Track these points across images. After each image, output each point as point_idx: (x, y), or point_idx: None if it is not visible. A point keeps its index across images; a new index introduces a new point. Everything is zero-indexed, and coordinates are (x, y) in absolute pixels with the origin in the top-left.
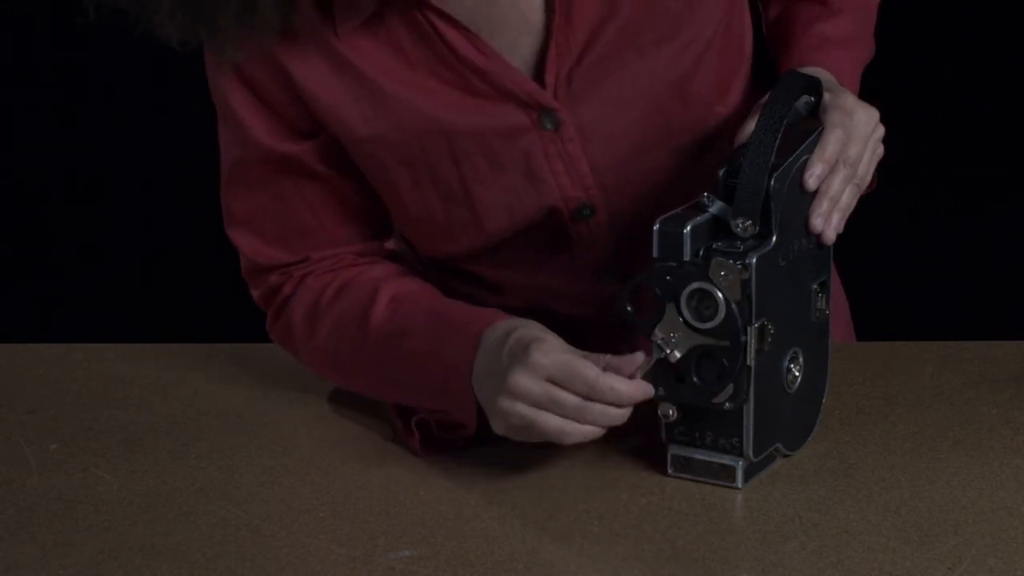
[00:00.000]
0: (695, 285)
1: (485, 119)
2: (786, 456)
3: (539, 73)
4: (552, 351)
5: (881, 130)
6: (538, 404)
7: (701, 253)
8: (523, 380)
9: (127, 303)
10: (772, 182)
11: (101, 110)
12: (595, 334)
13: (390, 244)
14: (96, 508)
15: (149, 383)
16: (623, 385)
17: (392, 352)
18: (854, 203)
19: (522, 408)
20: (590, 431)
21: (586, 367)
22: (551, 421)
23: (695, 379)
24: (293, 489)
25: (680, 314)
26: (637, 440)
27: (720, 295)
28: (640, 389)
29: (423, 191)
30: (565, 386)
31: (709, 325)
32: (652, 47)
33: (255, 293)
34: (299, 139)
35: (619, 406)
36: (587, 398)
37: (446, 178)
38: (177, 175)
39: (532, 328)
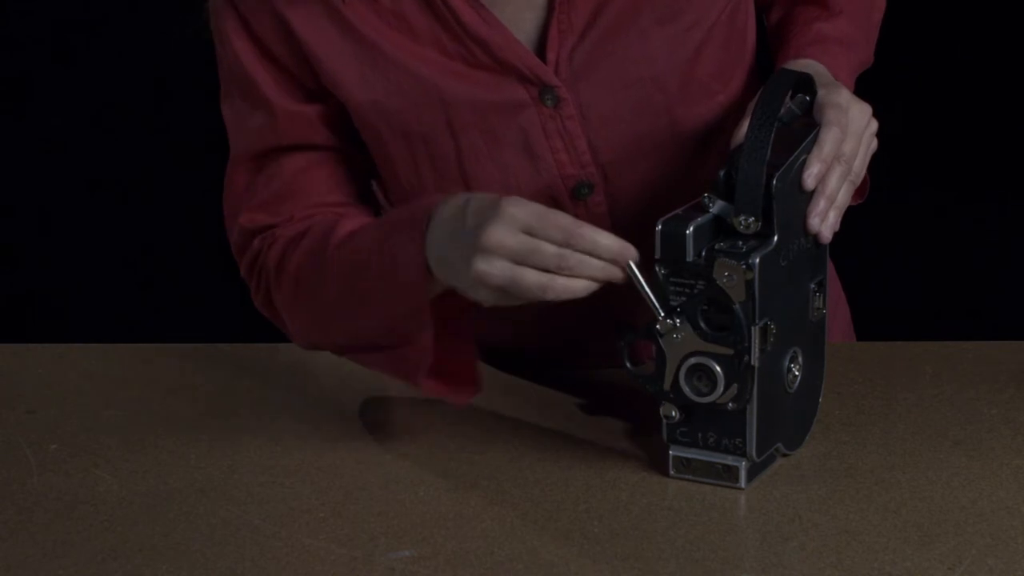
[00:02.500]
0: (695, 360)
1: (485, 92)
2: (785, 456)
3: (541, 49)
4: (524, 202)
5: (875, 125)
6: (516, 257)
7: (703, 254)
8: (497, 233)
9: (127, 303)
10: (775, 182)
11: (102, 109)
12: (593, 323)
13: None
14: (96, 508)
15: (149, 383)
16: (602, 236)
17: (346, 261)
18: (849, 199)
19: (501, 264)
20: (573, 284)
21: (562, 214)
22: (530, 275)
23: (686, 388)
24: (293, 489)
25: (678, 378)
26: (638, 440)
27: (718, 369)
28: (619, 243)
29: (418, 165)
30: (541, 235)
31: (704, 399)
32: (654, 28)
33: (242, 268)
34: (309, 100)
35: (599, 258)
36: (565, 246)
37: (442, 152)
38: (178, 175)
39: (492, 193)
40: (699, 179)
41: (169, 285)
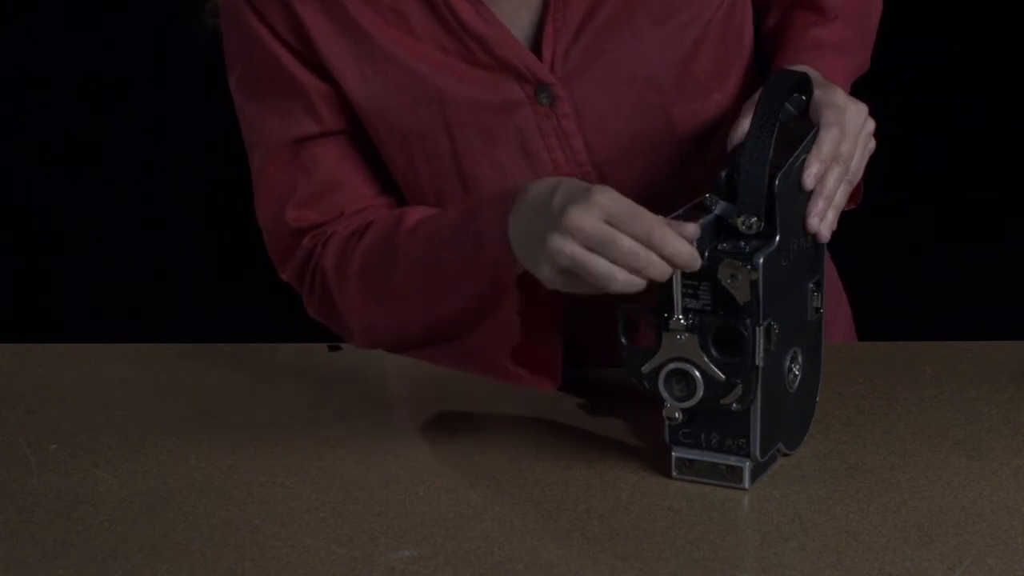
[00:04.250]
0: (684, 367)
1: (482, 90)
2: (785, 455)
3: (536, 47)
4: (615, 194)
5: (871, 124)
6: (590, 245)
7: (706, 255)
8: (581, 217)
9: (128, 303)
10: (777, 182)
11: (102, 105)
12: (592, 322)
13: None
14: (96, 508)
15: (149, 383)
16: (681, 243)
17: (424, 252)
18: (846, 198)
19: (573, 247)
20: (636, 281)
21: (649, 213)
22: (600, 264)
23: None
24: (293, 489)
25: (659, 372)
26: (638, 440)
27: (697, 374)
28: (692, 254)
29: (414, 163)
30: (623, 228)
31: (672, 401)
32: (649, 27)
33: (287, 273)
34: (330, 81)
35: (670, 263)
36: (645, 244)
37: (438, 150)
38: (180, 175)
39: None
40: (695, 177)
41: (169, 285)
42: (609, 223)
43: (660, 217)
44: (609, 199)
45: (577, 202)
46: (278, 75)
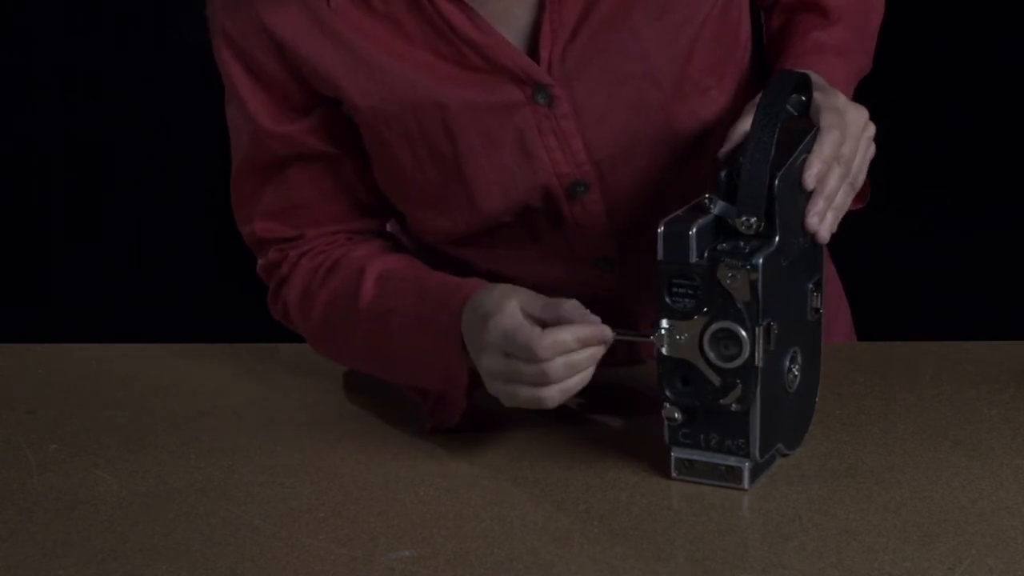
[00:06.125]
0: (720, 324)
1: (480, 93)
2: (784, 456)
3: (534, 48)
4: (496, 327)
5: (872, 128)
6: (506, 378)
7: (706, 255)
8: (487, 362)
9: (128, 303)
10: (777, 182)
11: (102, 106)
12: None
13: (390, 226)
14: (96, 508)
15: (149, 383)
16: (566, 334)
17: (383, 332)
18: (848, 202)
19: (500, 387)
20: (567, 385)
21: (524, 335)
22: (524, 392)
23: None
24: (293, 489)
25: (702, 349)
26: (638, 440)
27: (744, 334)
28: (590, 330)
29: (422, 164)
30: (516, 356)
31: (728, 365)
32: (646, 24)
33: (258, 265)
34: (297, 118)
35: (576, 349)
36: (537, 362)
37: (442, 152)
38: (180, 175)
39: (491, 295)
40: (694, 176)
41: (169, 285)
42: (507, 354)
43: (535, 329)
44: (493, 336)
45: (479, 347)
46: (246, 120)
